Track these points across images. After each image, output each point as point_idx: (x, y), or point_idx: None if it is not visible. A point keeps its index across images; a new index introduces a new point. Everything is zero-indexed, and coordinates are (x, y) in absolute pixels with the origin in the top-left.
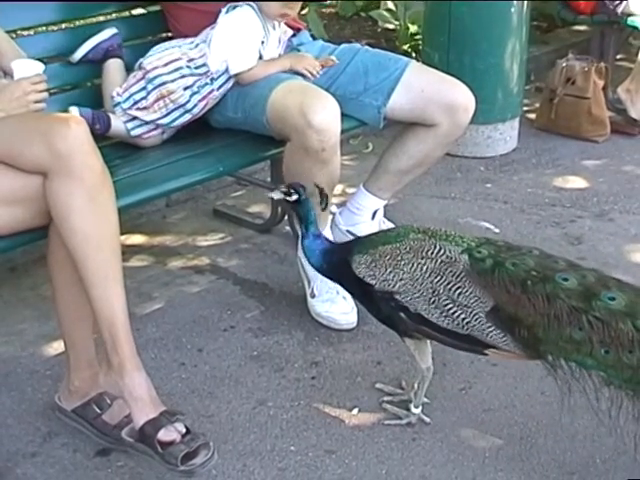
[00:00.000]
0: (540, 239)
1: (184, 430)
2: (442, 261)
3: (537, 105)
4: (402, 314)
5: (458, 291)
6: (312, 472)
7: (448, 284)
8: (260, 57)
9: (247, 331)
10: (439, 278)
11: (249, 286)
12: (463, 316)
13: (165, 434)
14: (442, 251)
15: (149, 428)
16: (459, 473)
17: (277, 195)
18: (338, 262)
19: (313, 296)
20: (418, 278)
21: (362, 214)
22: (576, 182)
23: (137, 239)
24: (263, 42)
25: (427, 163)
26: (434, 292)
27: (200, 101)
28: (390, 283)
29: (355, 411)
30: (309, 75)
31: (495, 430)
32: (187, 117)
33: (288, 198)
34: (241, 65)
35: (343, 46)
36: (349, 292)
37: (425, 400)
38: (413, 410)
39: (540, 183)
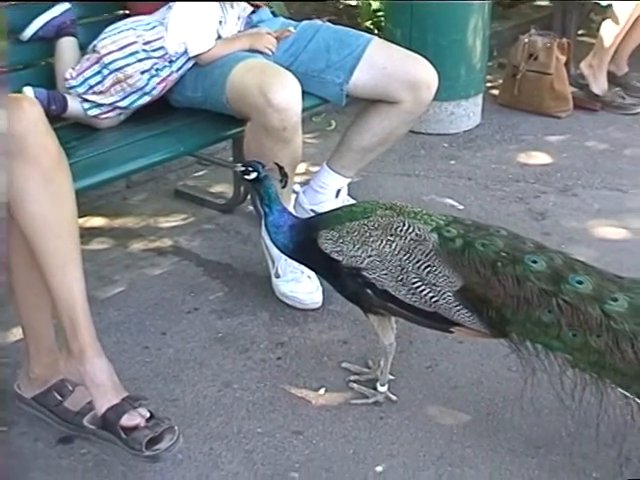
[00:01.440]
0: (504, 215)
1: (148, 415)
2: (411, 239)
3: (500, 81)
4: (369, 290)
5: (427, 270)
6: (279, 453)
7: (417, 262)
8: (219, 37)
9: (211, 313)
10: (408, 256)
11: (212, 267)
12: (431, 294)
13: (128, 419)
14: (411, 229)
15: (112, 414)
16: (427, 450)
17: (238, 169)
18: (303, 239)
19: (278, 276)
20: (387, 255)
21: (326, 193)
22: (539, 158)
23: (97, 221)
24: (221, 22)
25: (390, 140)
26: (402, 270)
27: (159, 84)
28: (358, 259)
29: (322, 391)
30: (269, 52)
31: (462, 407)
32: (146, 99)
33: (246, 177)
34: (200, 46)
35: (304, 23)
36: (314, 270)
37: (391, 377)
38: (380, 389)
39: (504, 159)
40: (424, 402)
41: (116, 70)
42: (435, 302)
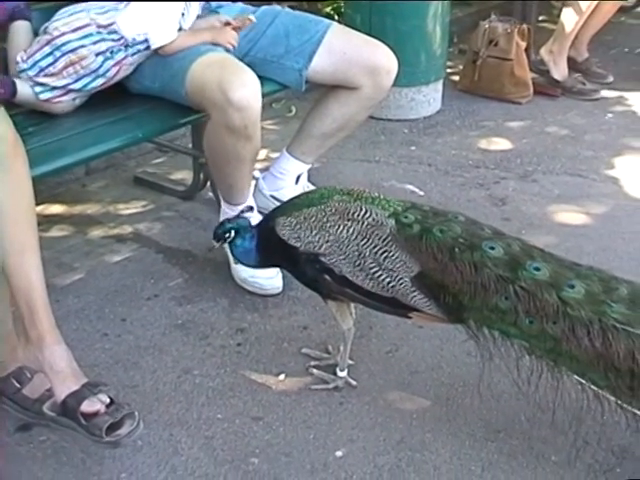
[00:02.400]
0: (465, 201)
1: (108, 401)
2: (369, 224)
3: (460, 67)
4: (327, 276)
5: (384, 255)
6: (239, 439)
7: (374, 247)
8: (180, 28)
9: (171, 299)
10: (365, 241)
11: (172, 254)
12: (388, 280)
13: (88, 405)
14: (368, 214)
15: (71, 400)
16: (387, 435)
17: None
18: (266, 239)
19: (237, 262)
20: (344, 240)
21: (286, 179)
22: (500, 144)
23: (56, 209)
24: (183, 14)
25: (350, 126)
26: (360, 255)
27: (113, 66)
28: (315, 245)
29: (282, 377)
30: (230, 47)
31: (422, 392)
32: (100, 81)
33: (229, 241)
34: (162, 39)
35: (263, 8)
36: (278, 265)
37: (350, 362)
38: (339, 374)
39: (464, 145)
40: (384, 387)
41: (69, 52)
42: (392, 287)
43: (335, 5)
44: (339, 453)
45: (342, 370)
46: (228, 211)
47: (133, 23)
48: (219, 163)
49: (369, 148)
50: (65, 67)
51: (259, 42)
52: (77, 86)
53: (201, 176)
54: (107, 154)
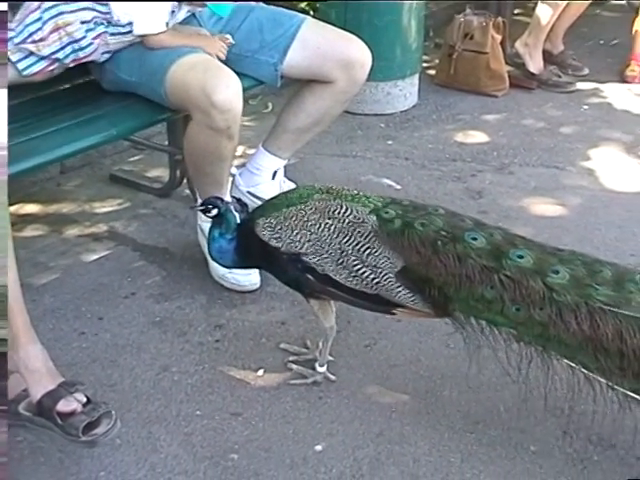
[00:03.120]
0: (442, 194)
1: (85, 400)
2: (350, 221)
3: (436, 61)
4: (309, 276)
5: (367, 252)
6: (219, 435)
7: (357, 244)
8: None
9: (148, 297)
10: (347, 238)
11: (149, 251)
12: (372, 276)
13: (64, 405)
14: (349, 211)
15: (47, 400)
16: (366, 429)
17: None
18: (246, 240)
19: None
20: (326, 239)
21: (262, 174)
22: (476, 137)
23: (31, 208)
24: (174, 12)
25: (326, 121)
26: (342, 252)
27: (94, 39)
28: (297, 244)
29: (260, 372)
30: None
31: (401, 385)
32: (79, 55)
33: (208, 214)
34: (146, 28)
35: (238, 3)
36: (257, 266)
37: (330, 358)
38: (318, 369)
39: (441, 139)
40: (363, 381)
41: (56, 16)
42: (377, 284)
43: (310, 0)
44: (318, 447)
45: (322, 366)
46: None
47: (124, 4)
48: (200, 164)
49: (346, 143)
50: (51, 32)
51: (233, 38)
52: (61, 55)
53: (177, 173)
54: (82, 152)
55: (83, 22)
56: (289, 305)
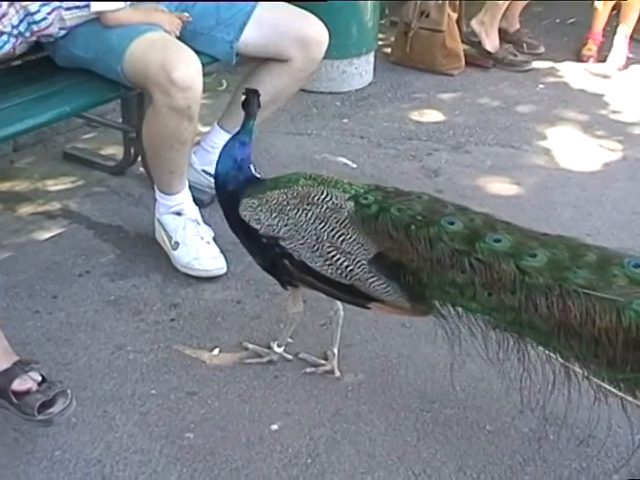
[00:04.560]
0: (397, 173)
1: (40, 379)
2: (328, 207)
3: (392, 39)
4: (286, 261)
5: (341, 238)
6: (174, 414)
7: (332, 231)
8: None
9: (103, 275)
10: (323, 225)
11: (103, 230)
12: (346, 264)
13: (20, 384)
14: (329, 197)
15: (2, 379)
16: (322, 408)
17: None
18: (231, 193)
19: (176, 247)
20: (303, 224)
21: (217, 152)
22: (432, 115)
23: None
24: None
25: (282, 99)
26: (318, 239)
27: (48, 14)
28: (275, 228)
29: (216, 351)
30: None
31: (356, 364)
32: (33, 29)
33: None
34: (104, 5)
35: None
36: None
37: (290, 340)
38: (275, 349)
39: (396, 117)
40: (319, 359)
41: None
42: (350, 272)
43: None
44: (274, 426)
45: (279, 346)
46: (164, 202)
47: None
48: (160, 149)
49: (301, 121)
50: (9, 6)
51: (189, 14)
52: (22, 28)
53: (132, 151)
54: (35, 129)
55: None
56: (245, 284)
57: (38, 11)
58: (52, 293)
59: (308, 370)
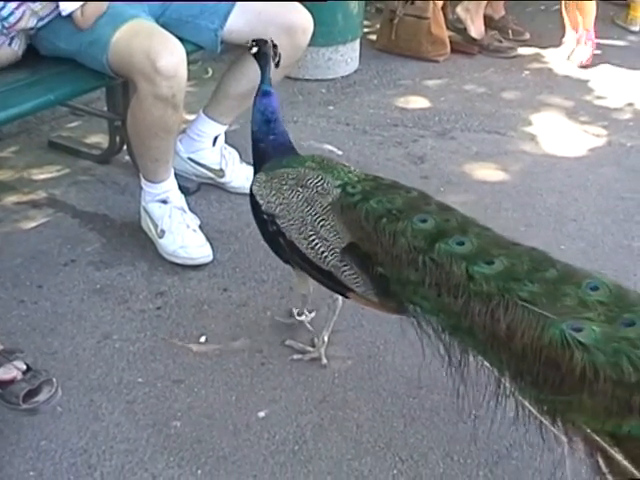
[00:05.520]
0: (383, 159)
1: (24, 367)
2: (317, 192)
3: (377, 26)
4: (281, 239)
5: (321, 223)
6: (161, 403)
7: (315, 215)
8: None
9: (89, 264)
10: (309, 208)
11: (89, 218)
12: (322, 249)
13: (4, 373)
14: (320, 182)
15: None
16: (309, 395)
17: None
18: (263, 151)
19: (162, 235)
20: (293, 205)
21: (203, 140)
22: (418, 102)
23: None
24: None
25: None
26: (302, 221)
27: (15, 9)
28: (272, 206)
29: (202, 339)
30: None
31: (343, 350)
32: (4, 25)
33: (250, 51)
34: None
35: None
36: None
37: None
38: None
39: (382, 104)
40: (305, 346)
41: None
42: (325, 258)
43: None
44: (261, 414)
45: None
46: (150, 190)
47: None
48: (145, 137)
49: (287, 108)
50: None
51: (173, 3)
52: None
53: (117, 139)
54: (19, 118)
55: None
56: (231, 272)
57: (3, 7)
58: (37, 282)
59: (295, 357)
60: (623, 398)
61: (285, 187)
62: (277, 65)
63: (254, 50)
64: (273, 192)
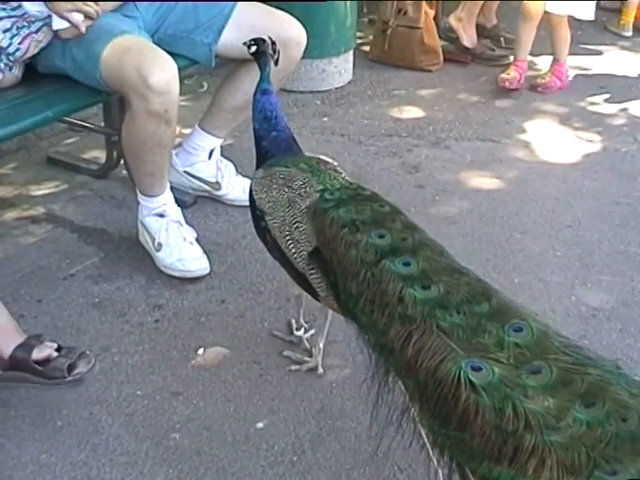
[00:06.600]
0: (378, 169)
1: (56, 345)
2: (299, 194)
3: (370, 37)
4: (268, 236)
5: (296, 225)
6: (160, 415)
7: (292, 216)
8: None
9: (87, 278)
10: (289, 209)
11: (87, 233)
12: (294, 251)
13: (39, 352)
14: (304, 185)
15: (20, 352)
16: (307, 405)
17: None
18: (265, 148)
19: (159, 249)
20: (278, 204)
21: (199, 154)
22: (412, 112)
23: None
24: None
25: None
26: (283, 221)
27: (20, 44)
28: (262, 202)
29: (200, 351)
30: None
31: (341, 361)
32: (11, 59)
33: (249, 50)
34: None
35: None
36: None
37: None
38: (296, 333)
39: (376, 114)
40: (303, 357)
41: None
42: (296, 259)
43: None
44: (260, 425)
45: (298, 330)
46: (147, 204)
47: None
48: (140, 152)
49: None
50: None
51: (169, 18)
52: (5, 62)
53: (114, 154)
54: (18, 135)
55: (5, 31)
56: (228, 283)
57: (10, 44)
58: (37, 297)
59: (293, 368)
60: (497, 444)
61: (274, 186)
62: (276, 63)
63: (253, 49)
64: (265, 189)
